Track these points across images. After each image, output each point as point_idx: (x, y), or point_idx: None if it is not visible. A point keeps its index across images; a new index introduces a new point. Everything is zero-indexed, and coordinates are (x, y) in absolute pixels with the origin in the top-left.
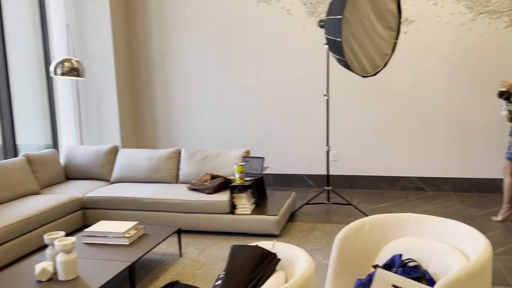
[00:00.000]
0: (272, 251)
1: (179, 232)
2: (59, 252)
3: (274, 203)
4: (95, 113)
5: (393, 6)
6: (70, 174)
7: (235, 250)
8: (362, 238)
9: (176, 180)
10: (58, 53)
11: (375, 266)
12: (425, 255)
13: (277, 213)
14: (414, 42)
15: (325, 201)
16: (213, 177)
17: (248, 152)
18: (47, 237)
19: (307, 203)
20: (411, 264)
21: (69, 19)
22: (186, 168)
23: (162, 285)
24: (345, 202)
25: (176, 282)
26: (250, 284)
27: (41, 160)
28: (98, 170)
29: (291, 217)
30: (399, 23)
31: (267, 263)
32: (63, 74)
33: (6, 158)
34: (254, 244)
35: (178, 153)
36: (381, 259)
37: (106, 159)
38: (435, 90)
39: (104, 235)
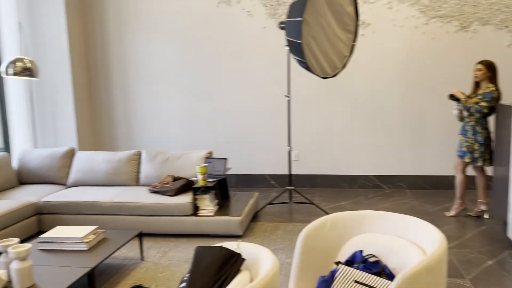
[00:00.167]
0: (237, 251)
1: (141, 235)
2: (13, 259)
3: (237, 203)
4: (50, 114)
5: (351, 9)
6: (23, 178)
7: (199, 251)
8: (324, 236)
9: (137, 182)
10: (9, 53)
11: (337, 263)
12: (384, 250)
13: (240, 213)
14: (371, 45)
15: (287, 201)
16: (175, 179)
17: (210, 153)
18: (0, 244)
19: (269, 203)
20: (371, 259)
21: (22, 17)
22: (147, 171)
23: None
24: (307, 201)
25: (138, 286)
26: (215, 285)
27: None
28: (54, 174)
29: (254, 217)
30: (357, 26)
31: (232, 263)
32: (15, 74)
33: None
34: (218, 245)
35: (139, 155)
36: (343, 256)
37: (62, 162)
38: (391, 91)
39: (61, 240)
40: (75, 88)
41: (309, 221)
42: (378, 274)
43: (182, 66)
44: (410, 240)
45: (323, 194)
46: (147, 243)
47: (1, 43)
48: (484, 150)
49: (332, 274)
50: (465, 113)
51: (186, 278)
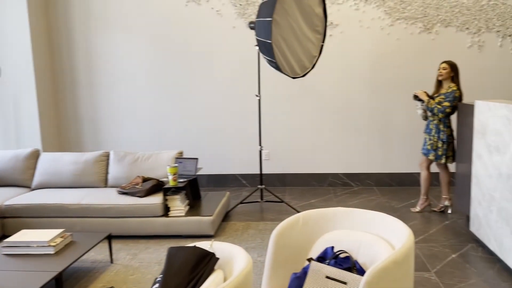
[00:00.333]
0: (211, 250)
1: (110, 237)
2: None
3: (209, 203)
4: (12, 115)
5: (319, 10)
6: None
7: (172, 252)
8: (296, 234)
9: (105, 184)
10: None
11: (309, 260)
12: (354, 246)
13: (212, 213)
14: (339, 45)
15: (259, 200)
16: (145, 179)
17: (181, 153)
18: None
19: (241, 202)
20: (342, 255)
21: None
22: (115, 172)
23: None
24: (278, 200)
25: None
26: (189, 285)
27: None
28: (17, 176)
29: (226, 216)
30: (325, 27)
31: (206, 263)
32: None
33: None
34: (192, 244)
35: (107, 156)
36: (315, 252)
37: (26, 164)
38: (358, 91)
39: (27, 245)
40: (38, 88)
41: (280, 220)
42: (349, 269)
43: (150, 66)
44: (379, 236)
45: (293, 192)
46: (117, 245)
47: None
48: (447, 148)
49: (305, 271)
50: (429, 113)
51: (159, 279)
